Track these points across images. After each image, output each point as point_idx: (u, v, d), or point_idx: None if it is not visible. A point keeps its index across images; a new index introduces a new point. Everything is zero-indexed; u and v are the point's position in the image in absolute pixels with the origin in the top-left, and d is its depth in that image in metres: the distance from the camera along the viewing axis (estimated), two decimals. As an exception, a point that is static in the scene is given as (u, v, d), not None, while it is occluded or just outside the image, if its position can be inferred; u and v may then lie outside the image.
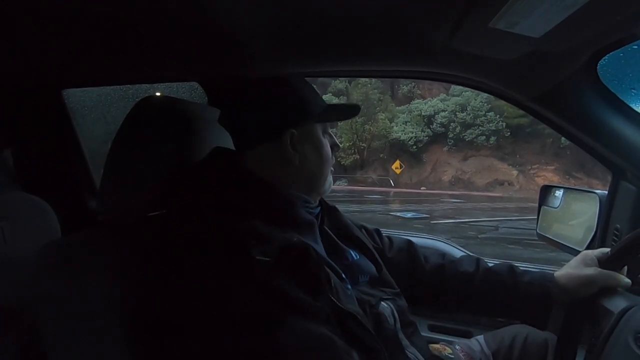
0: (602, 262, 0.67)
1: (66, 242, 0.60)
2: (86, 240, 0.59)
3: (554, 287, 0.69)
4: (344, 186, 17.71)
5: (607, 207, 0.82)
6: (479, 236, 6.78)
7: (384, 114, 20.94)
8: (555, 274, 0.71)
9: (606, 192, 0.84)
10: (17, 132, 1.05)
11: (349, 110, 0.69)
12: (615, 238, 0.80)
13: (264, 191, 0.59)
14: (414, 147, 19.89)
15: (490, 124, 18.91)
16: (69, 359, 0.53)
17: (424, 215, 9.36)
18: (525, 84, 0.73)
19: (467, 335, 1.02)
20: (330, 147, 0.67)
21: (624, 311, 0.57)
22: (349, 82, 21.47)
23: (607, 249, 0.69)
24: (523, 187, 17.30)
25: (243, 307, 0.46)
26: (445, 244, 1.14)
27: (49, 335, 0.53)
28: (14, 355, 0.69)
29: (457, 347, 0.79)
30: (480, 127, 19.10)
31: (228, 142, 0.67)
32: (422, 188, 18.12)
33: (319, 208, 0.66)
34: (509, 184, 17.93)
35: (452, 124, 19.72)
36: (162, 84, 1.16)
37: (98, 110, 1.35)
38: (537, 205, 1.01)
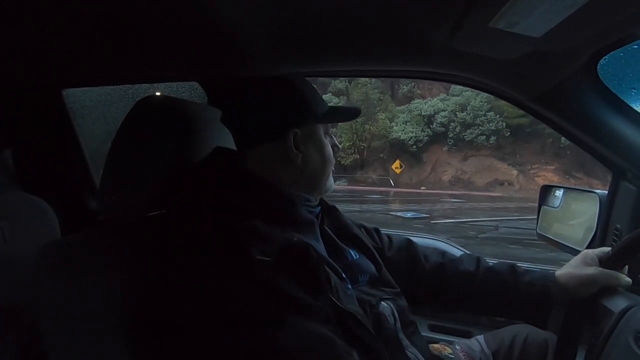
0: (603, 262, 0.67)
1: (66, 242, 0.60)
2: (86, 240, 0.60)
3: (555, 286, 0.69)
4: (344, 186, 17.71)
5: (607, 207, 0.82)
6: (479, 236, 6.78)
7: (384, 114, 20.93)
8: (555, 274, 0.71)
9: (606, 191, 0.84)
10: (17, 132, 1.05)
11: (350, 112, 0.69)
12: (615, 238, 0.80)
13: (265, 191, 0.59)
14: (414, 147, 19.88)
15: (490, 124, 18.90)
16: (69, 359, 0.53)
17: (424, 215, 9.36)
18: (525, 83, 0.73)
19: (467, 335, 1.01)
20: (331, 147, 0.67)
21: (625, 311, 0.57)
22: (349, 82, 21.46)
23: (608, 249, 0.69)
24: (523, 187, 17.30)
25: (243, 307, 0.46)
26: (446, 244, 1.14)
27: (49, 335, 0.53)
28: (14, 355, 0.69)
29: (457, 347, 0.79)
30: (480, 127, 19.09)
31: (228, 142, 0.67)
32: (422, 188, 18.11)
33: (320, 207, 0.66)
34: (509, 184, 17.92)
35: (452, 123, 19.71)
36: (162, 83, 1.16)
37: (98, 110, 1.35)
38: (537, 205, 1.01)
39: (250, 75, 0.70)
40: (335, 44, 0.64)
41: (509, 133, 18.77)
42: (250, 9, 0.49)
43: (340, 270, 0.58)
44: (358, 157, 20.65)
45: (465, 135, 19.36)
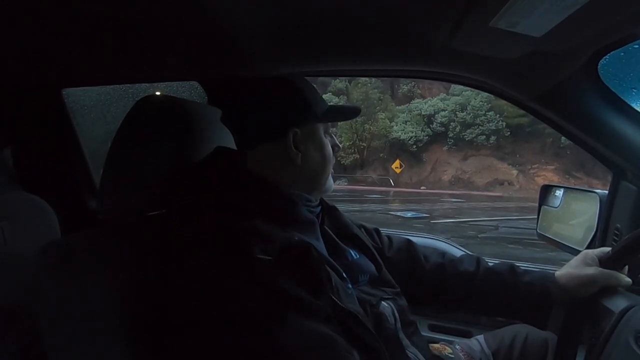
0: (603, 262, 0.67)
1: (66, 242, 0.60)
2: (86, 240, 0.59)
3: (555, 286, 0.69)
4: (344, 186, 17.71)
5: (607, 207, 0.82)
6: (479, 236, 6.78)
7: (384, 114, 20.93)
8: (555, 274, 0.71)
9: (606, 191, 0.84)
10: (17, 132, 1.05)
11: (350, 112, 0.69)
12: (615, 238, 0.80)
13: (265, 191, 0.59)
14: (414, 146, 19.87)
15: (490, 124, 18.90)
16: (69, 359, 0.53)
17: (424, 215, 9.36)
18: (525, 83, 0.72)
19: (467, 335, 1.02)
20: (331, 147, 0.67)
21: (625, 311, 0.57)
22: (349, 82, 21.46)
23: (608, 249, 0.69)
24: (523, 187, 17.29)
25: (244, 306, 0.46)
26: (445, 244, 1.14)
27: (49, 335, 0.52)
28: (14, 355, 0.69)
29: (457, 346, 0.79)
30: (480, 127, 19.09)
31: (228, 142, 0.67)
32: (422, 188, 18.11)
33: (320, 207, 0.66)
34: (509, 184, 17.92)
35: (452, 123, 19.71)
36: (162, 83, 1.16)
37: (98, 109, 1.35)
38: (537, 204, 1.01)
39: (250, 75, 0.70)
40: (335, 44, 0.63)
41: (509, 133, 18.77)
42: (250, 9, 0.49)
43: (341, 270, 0.58)
44: (358, 156, 20.65)
45: (465, 135, 19.35)
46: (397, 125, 20.57)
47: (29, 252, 0.55)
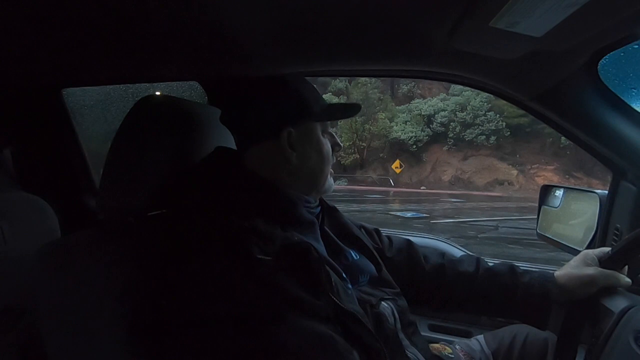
0: (603, 262, 0.67)
1: (66, 242, 0.60)
2: (86, 240, 0.59)
3: (554, 287, 0.69)
4: (344, 186, 17.71)
5: (607, 207, 0.82)
6: (479, 236, 6.78)
7: (383, 114, 20.91)
8: (555, 274, 0.71)
9: (606, 191, 0.84)
10: (17, 132, 1.04)
11: (348, 109, 0.68)
12: (615, 238, 0.80)
13: (265, 191, 0.59)
14: (414, 146, 19.87)
15: (490, 124, 18.90)
16: (69, 359, 0.53)
17: (424, 215, 9.36)
18: (525, 83, 0.72)
19: (467, 334, 1.02)
20: (332, 146, 0.66)
21: (625, 311, 0.57)
22: (349, 82, 21.46)
23: (608, 249, 0.69)
24: (523, 187, 17.30)
25: (244, 306, 0.46)
26: (445, 244, 1.14)
27: (49, 335, 0.53)
28: (14, 355, 0.69)
29: (457, 346, 0.79)
30: (480, 127, 19.09)
31: (229, 142, 0.67)
32: (422, 188, 18.11)
33: (320, 208, 0.66)
34: (508, 184, 17.92)
35: (452, 123, 19.71)
36: (162, 83, 1.16)
37: (98, 109, 1.35)
38: (537, 204, 1.01)
39: (250, 74, 0.70)
40: (335, 44, 0.63)
41: (508, 133, 18.77)
42: (250, 8, 0.49)
43: (341, 270, 0.58)
44: (358, 156, 20.65)
45: (465, 135, 19.35)
46: (397, 125, 20.56)
47: (29, 252, 0.55)
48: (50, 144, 1.08)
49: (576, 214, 0.92)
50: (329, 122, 0.67)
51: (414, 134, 19.96)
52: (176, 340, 0.48)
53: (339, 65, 0.79)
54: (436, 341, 0.79)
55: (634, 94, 0.70)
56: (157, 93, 1.13)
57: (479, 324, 1.04)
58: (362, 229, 0.77)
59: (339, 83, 21.86)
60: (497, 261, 0.82)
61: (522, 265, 0.81)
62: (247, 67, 0.70)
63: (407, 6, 0.49)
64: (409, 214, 9.34)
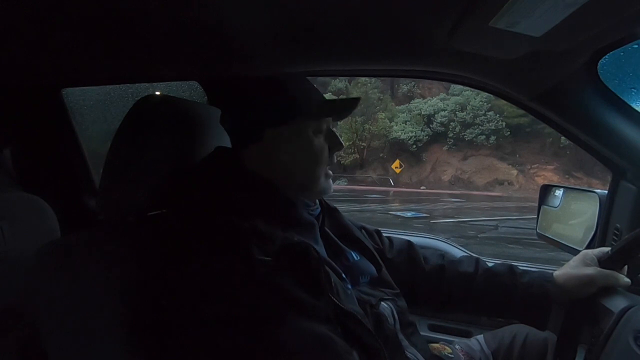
0: (602, 262, 0.67)
1: (66, 242, 0.60)
2: (86, 240, 0.59)
3: (553, 287, 0.69)
4: (343, 186, 17.71)
5: (607, 207, 0.82)
6: (479, 235, 6.78)
7: (383, 114, 20.91)
8: (554, 274, 0.71)
9: (606, 191, 0.84)
10: (17, 132, 1.04)
11: (342, 106, 0.65)
12: (615, 238, 0.80)
13: (265, 191, 0.59)
14: (414, 146, 19.87)
15: (490, 124, 18.90)
16: (69, 358, 0.53)
17: (424, 215, 9.36)
18: (525, 83, 0.72)
19: (467, 334, 1.02)
20: (330, 146, 0.65)
21: (624, 311, 0.57)
22: (349, 82, 21.46)
23: (607, 249, 0.69)
24: (523, 187, 17.29)
25: (243, 307, 0.46)
26: (445, 244, 1.14)
27: (49, 335, 0.52)
28: (14, 355, 0.69)
29: (457, 346, 0.79)
30: (480, 127, 19.08)
31: (229, 142, 0.66)
32: (422, 187, 18.11)
33: (319, 209, 0.66)
34: (508, 184, 17.92)
35: (451, 123, 19.71)
36: (162, 83, 1.16)
37: (97, 109, 1.34)
38: (536, 204, 1.01)
39: (250, 74, 0.70)
40: (336, 43, 0.63)
41: (508, 133, 18.77)
42: (250, 8, 0.49)
43: (340, 271, 0.58)
44: (358, 156, 20.65)
45: (465, 134, 19.35)
46: (397, 125, 20.56)
47: (29, 252, 0.55)
48: (50, 144, 1.08)
49: (576, 213, 0.92)
50: (324, 120, 0.65)
51: (413, 134, 19.95)
52: (176, 341, 0.48)
53: (339, 65, 0.79)
54: (436, 341, 0.79)
55: (633, 93, 0.71)
56: (157, 93, 1.13)
57: (479, 324, 1.04)
58: (363, 230, 0.77)
59: (339, 83, 21.84)
60: (497, 261, 0.82)
61: (522, 265, 0.81)
62: (247, 67, 0.70)
63: (407, 6, 0.49)
64: (409, 214, 9.34)
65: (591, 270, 0.66)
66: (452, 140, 19.80)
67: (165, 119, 0.65)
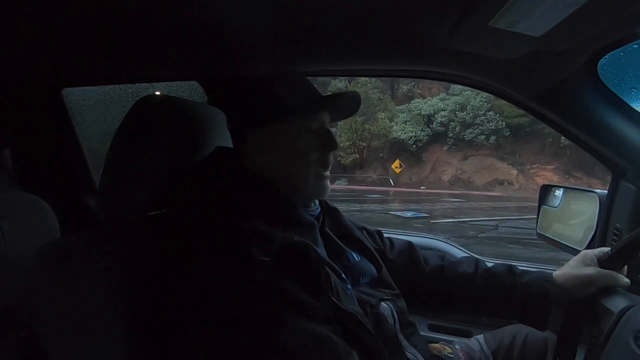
0: (602, 262, 0.67)
1: (65, 242, 0.60)
2: (86, 240, 0.59)
3: (552, 287, 0.69)
4: (343, 186, 17.70)
5: (607, 207, 0.82)
6: (479, 235, 6.78)
7: (383, 114, 20.90)
8: (553, 274, 0.71)
9: (606, 191, 0.84)
10: (17, 132, 1.04)
11: (333, 103, 0.61)
12: (615, 238, 0.80)
13: (265, 191, 0.58)
14: (414, 146, 19.87)
15: (490, 124, 18.90)
16: (69, 358, 0.53)
17: (424, 215, 9.36)
18: (525, 83, 0.72)
19: (467, 334, 1.02)
20: (325, 145, 0.62)
21: (624, 310, 0.57)
22: (349, 82, 21.44)
23: (607, 249, 0.69)
24: (523, 187, 17.30)
25: (244, 307, 0.46)
26: (445, 244, 1.14)
27: (49, 335, 0.53)
28: (14, 355, 0.69)
29: (457, 346, 0.79)
30: (480, 127, 19.09)
31: (229, 142, 0.67)
32: (422, 187, 18.11)
33: (319, 209, 0.66)
34: (508, 184, 17.92)
35: (451, 123, 19.71)
36: (162, 83, 1.16)
37: (98, 109, 1.35)
38: (536, 204, 1.01)
39: (250, 74, 0.70)
40: (335, 44, 0.63)
41: (508, 133, 18.77)
42: (250, 9, 0.49)
43: (340, 271, 0.58)
44: (358, 156, 20.64)
45: (465, 134, 19.35)
46: (397, 125, 20.56)
47: (29, 252, 0.55)
48: (50, 144, 1.08)
49: (576, 213, 0.92)
50: (315, 119, 0.61)
51: (413, 134, 19.95)
52: (176, 341, 0.48)
53: (339, 65, 0.79)
54: (436, 341, 0.79)
55: (633, 93, 0.71)
56: (157, 93, 1.13)
57: (479, 324, 1.04)
58: (364, 231, 0.77)
59: (339, 83, 21.83)
60: (497, 261, 0.82)
61: (522, 266, 0.81)
62: (247, 67, 0.70)
63: (407, 6, 0.49)
64: (409, 214, 9.34)
65: (591, 270, 0.66)
66: (452, 140, 19.80)
67: (165, 119, 0.65)
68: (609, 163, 0.80)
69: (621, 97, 0.70)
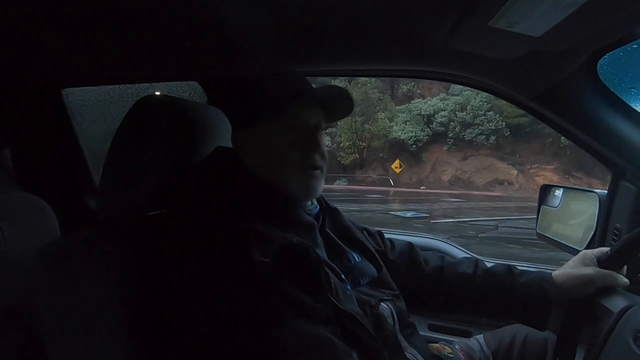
0: (602, 262, 0.67)
1: (65, 242, 0.60)
2: (86, 240, 0.59)
3: (551, 286, 0.69)
4: (343, 186, 17.70)
5: (606, 207, 0.82)
6: (479, 235, 6.78)
7: (383, 114, 20.89)
8: (552, 274, 0.71)
9: (606, 191, 0.84)
10: (17, 132, 1.05)
11: (296, 97, 0.58)
12: (614, 238, 0.80)
13: (265, 191, 0.58)
14: (414, 146, 19.86)
15: (490, 124, 18.90)
16: (69, 359, 0.53)
17: (424, 215, 9.36)
18: (525, 83, 0.73)
19: (467, 334, 1.02)
20: (304, 145, 0.59)
21: (624, 310, 0.57)
22: (349, 82, 21.45)
23: (607, 249, 0.69)
24: (523, 187, 17.29)
25: (243, 308, 0.46)
26: (445, 244, 1.14)
27: (49, 335, 0.53)
28: (14, 355, 0.69)
29: (457, 346, 0.79)
30: (479, 127, 19.08)
31: (229, 142, 0.67)
32: (422, 187, 18.11)
33: (318, 208, 0.66)
34: (508, 184, 17.92)
35: (451, 123, 19.70)
36: (162, 83, 1.16)
37: (97, 109, 1.35)
38: (536, 204, 1.01)
39: (250, 74, 0.70)
40: (336, 43, 0.63)
41: (508, 133, 18.77)
42: (250, 8, 0.49)
43: (340, 272, 0.58)
44: (358, 156, 20.63)
45: (465, 134, 19.34)
46: (396, 125, 20.54)
47: (29, 252, 0.55)
48: (50, 144, 1.08)
49: (576, 213, 0.92)
50: (297, 117, 0.59)
51: (413, 134, 19.94)
52: (176, 341, 0.48)
53: (339, 65, 0.79)
54: (436, 341, 0.79)
55: (633, 93, 0.71)
56: (157, 93, 1.13)
57: (479, 324, 1.04)
58: (365, 232, 0.77)
59: (339, 83, 21.81)
60: (497, 261, 0.82)
61: (522, 265, 0.81)
62: (247, 67, 0.70)
63: (407, 6, 0.49)
64: (409, 214, 9.34)
65: (590, 270, 0.66)
66: (452, 140, 19.79)
67: (165, 119, 0.65)
68: (609, 163, 0.80)
69: (621, 97, 0.70)
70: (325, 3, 0.49)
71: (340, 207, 0.74)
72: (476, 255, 1.07)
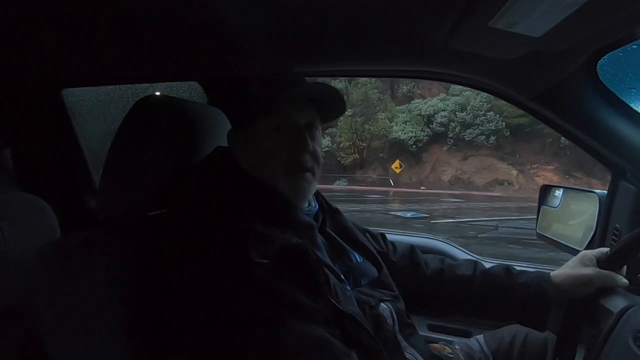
0: (601, 262, 0.67)
1: (65, 242, 0.60)
2: (86, 240, 0.59)
3: (550, 287, 0.69)
4: (343, 186, 17.70)
5: (606, 207, 0.82)
6: (479, 236, 6.78)
7: (383, 114, 20.90)
8: (551, 274, 0.71)
9: (606, 191, 0.84)
10: (17, 132, 1.05)
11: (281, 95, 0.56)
12: (614, 238, 0.80)
13: (264, 192, 0.58)
14: (414, 146, 19.86)
15: (490, 124, 18.91)
16: (69, 359, 0.53)
17: (424, 215, 9.36)
18: (525, 83, 0.73)
19: (467, 334, 1.02)
20: (291, 145, 0.58)
21: (624, 311, 0.58)
22: (349, 82, 21.44)
23: (606, 249, 0.69)
24: (523, 187, 17.30)
25: (242, 308, 0.46)
26: (445, 244, 1.14)
27: (49, 335, 0.53)
28: (14, 355, 0.69)
29: (457, 346, 0.79)
30: (479, 127, 19.10)
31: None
32: (422, 188, 18.11)
33: (316, 207, 0.66)
34: (508, 184, 17.92)
35: (451, 123, 19.71)
36: (162, 83, 1.16)
37: (98, 109, 1.35)
38: (536, 204, 1.01)
39: (249, 74, 0.70)
40: (336, 44, 0.63)
41: (508, 133, 18.77)
42: (250, 9, 0.49)
43: (339, 272, 0.58)
44: (358, 156, 20.63)
45: (465, 135, 19.35)
46: (396, 126, 20.55)
47: (29, 252, 0.55)
48: (50, 144, 1.08)
49: (576, 214, 0.92)
50: (285, 117, 0.58)
51: (413, 134, 19.94)
52: (176, 341, 0.48)
53: (339, 65, 0.79)
54: (436, 341, 0.79)
55: (633, 93, 0.71)
56: (157, 93, 1.13)
57: (479, 324, 1.04)
58: (367, 233, 0.77)
59: (339, 83, 21.78)
60: (497, 261, 0.82)
61: (522, 266, 0.81)
62: (247, 67, 0.70)
63: (407, 6, 0.49)
64: (409, 214, 9.34)
65: (589, 271, 0.66)
66: (452, 141, 19.80)
67: (165, 119, 0.65)
68: (609, 163, 0.80)
69: (620, 97, 0.70)
70: (325, 3, 0.49)
71: (341, 207, 0.74)
72: (476, 256, 1.07)
